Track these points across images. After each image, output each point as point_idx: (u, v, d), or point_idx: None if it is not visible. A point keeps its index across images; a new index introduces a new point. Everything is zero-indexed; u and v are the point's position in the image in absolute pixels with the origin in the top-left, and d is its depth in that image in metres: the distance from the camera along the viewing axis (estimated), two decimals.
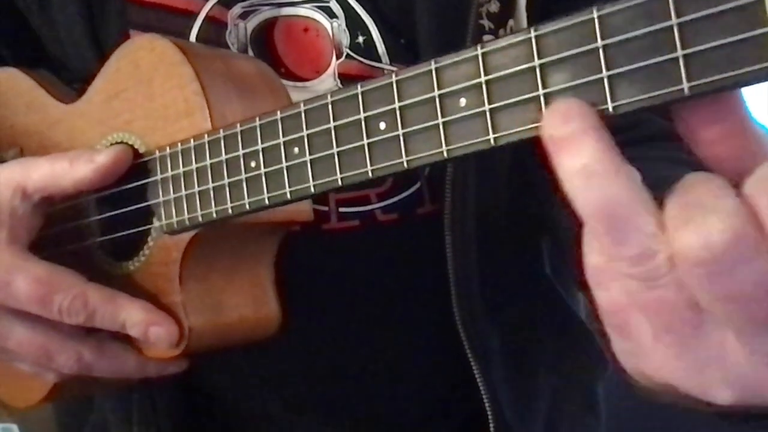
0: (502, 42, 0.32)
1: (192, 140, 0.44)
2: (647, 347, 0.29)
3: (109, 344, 0.50)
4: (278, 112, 0.40)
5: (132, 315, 0.47)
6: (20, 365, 0.52)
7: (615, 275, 0.28)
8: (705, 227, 0.25)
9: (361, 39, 0.55)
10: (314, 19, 0.55)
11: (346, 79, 0.55)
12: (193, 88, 0.45)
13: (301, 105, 0.39)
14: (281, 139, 0.40)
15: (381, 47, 0.55)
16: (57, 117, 0.55)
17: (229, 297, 0.48)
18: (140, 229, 0.48)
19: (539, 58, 0.30)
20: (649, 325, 0.28)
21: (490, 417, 0.56)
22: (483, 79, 0.32)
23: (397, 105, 0.35)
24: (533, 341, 0.63)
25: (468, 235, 0.55)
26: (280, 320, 0.51)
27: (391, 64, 0.55)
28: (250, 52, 0.55)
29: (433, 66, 0.34)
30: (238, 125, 0.42)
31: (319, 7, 0.55)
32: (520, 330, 0.61)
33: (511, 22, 0.57)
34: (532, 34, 0.31)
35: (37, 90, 0.57)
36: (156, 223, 0.47)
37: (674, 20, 0.27)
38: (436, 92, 0.34)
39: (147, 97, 0.48)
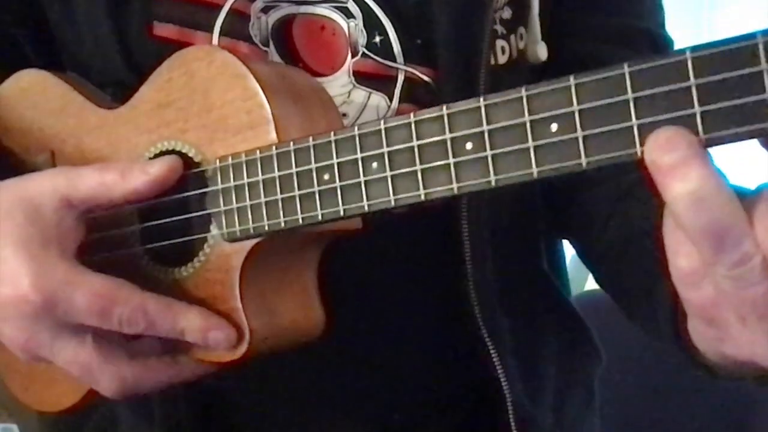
0: (596, 75, 0.35)
1: (258, 152, 0.46)
2: (735, 333, 0.33)
3: (156, 361, 0.50)
4: (356, 128, 0.42)
5: (191, 321, 0.48)
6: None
7: (709, 276, 0.32)
8: None
9: (378, 39, 0.57)
10: (331, 19, 0.57)
11: (361, 76, 0.58)
12: (258, 101, 0.47)
13: (382, 123, 0.41)
14: (359, 155, 0.42)
15: (397, 47, 0.58)
16: (96, 122, 0.55)
17: (282, 302, 0.50)
18: (198, 236, 0.50)
19: (633, 91, 0.34)
20: (738, 316, 0.33)
21: (507, 395, 0.59)
22: (576, 108, 0.35)
23: (485, 128, 0.38)
24: (538, 334, 0.67)
25: (482, 226, 0.59)
26: (324, 324, 0.53)
27: (405, 64, 0.58)
28: (272, 46, 0.57)
29: (524, 93, 0.37)
30: (311, 139, 0.44)
31: (336, 8, 0.57)
32: (526, 322, 0.65)
33: (521, 30, 0.61)
34: (626, 69, 0.34)
35: (71, 94, 0.56)
36: (214, 231, 0.48)
37: (764, 65, 0.31)
38: (527, 117, 0.37)
39: (203, 107, 0.49)
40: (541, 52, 0.60)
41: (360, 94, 0.58)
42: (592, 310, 0.73)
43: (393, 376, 0.62)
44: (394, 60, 0.58)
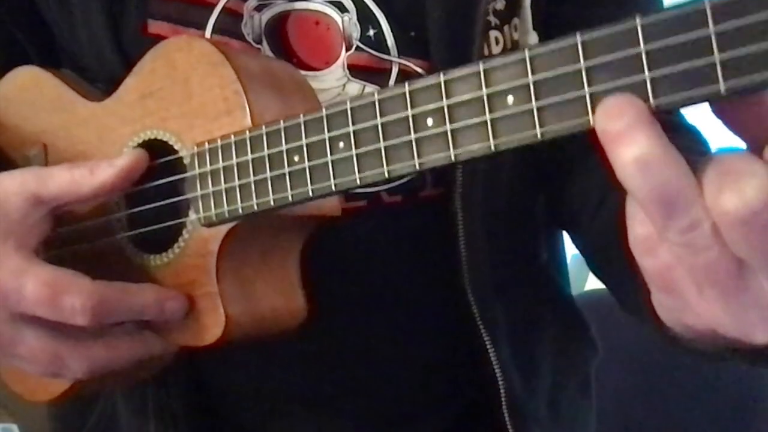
0: (550, 46, 0.35)
1: (232, 136, 0.46)
2: (692, 301, 0.33)
3: (121, 337, 0.51)
4: (323, 110, 0.42)
5: (145, 298, 0.49)
6: (33, 371, 0.52)
7: (662, 244, 0.32)
8: (742, 189, 0.29)
9: (371, 32, 0.58)
10: (325, 13, 0.58)
11: (355, 69, 0.58)
12: (234, 87, 0.47)
13: (347, 103, 0.41)
14: (326, 135, 0.42)
15: (390, 40, 0.58)
16: (85, 115, 0.56)
17: (262, 288, 0.50)
18: (176, 221, 0.50)
19: (585, 60, 0.34)
20: (694, 283, 0.32)
21: (501, 386, 0.59)
22: (531, 79, 0.35)
23: (445, 103, 0.38)
24: (534, 324, 0.66)
25: (476, 215, 0.59)
26: (306, 312, 0.53)
27: (399, 57, 0.58)
28: (265, 43, 0.58)
29: (481, 67, 0.37)
30: (281, 122, 0.44)
31: (330, 2, 0.58)
32: (523, 312, 0.64)
33: (515, 21, 0.61)
34: (578, 39, 0.34)
35: (62, 88, 0.58)
36: (192, 216, 0.49)
37: (712, 28, 0.31)
38: (484, 91, 0.37)
39: (184, 95, 0.50)
40: (532, 42, 0.60)
41: (355, 87, 0.58)
42: (591, 310, 0.73)
43: (387, 367, 0.62)
44: (388, 53, 0.58)
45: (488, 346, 0.58)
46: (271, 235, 0.51)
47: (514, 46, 0.61)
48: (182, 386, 0.62)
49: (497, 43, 0.60)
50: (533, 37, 0.61)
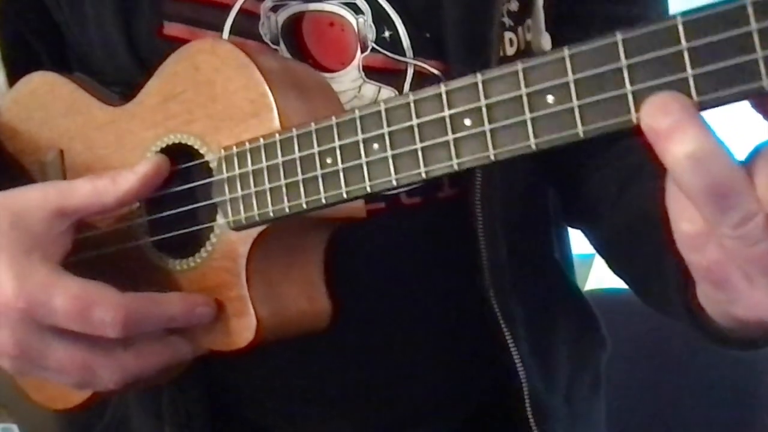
0: (589, 44, 0.35)
1: (261, 139, 0.46)
2: (744, 293, 0.34)
3: (150, 345, 0.51)
4: (356, 111, 0.43)
5: (174, 307, 0.49)
6: (63, 382, 0.51)
7: (711, 239, 0.33)
8: None
9: (387, 34, 0.58)
10: (339, 15, 0.58)
11: (370, 71, 0.58)
12: (261, 89, 0.47)
13: (382, 104, 0.42)
14: (360, 136, 0.43)
15: (406, 41, 0.58)
16: (104, 119, 0.56)
17: (288, 290, 0.51)
18: (205, 225, 0.50)
19: (626, 58, 0.34)
20: (745, 275, 0.33)
21: (524, 385, 0.59)
22: (571, 78, 0.36)
23: (483, 103, 0.38)
24: (550, 322, 0.67)
25: (496, 214, 0.59)
26: (331, 314, 0.53)
27: (414, 58, 0.58)
28: (281, 44, 0.58)
29: (520, 66, 0.37)
30: (313, 124, 0.44)
31: (345, 4, 0.58)
32: (539, 310, 0.65)
33: (528, 21, 0.61)
34: (619, 37, 0.35)
35: (78, 92, 0.58)
36: (220, 220, 0.49)
37: (754, 25, 0.32)
38: (524, 90, 0.37)
39: (209, 98, 0.50)
40: (545, 43, 0.61)
41: (370, 88, 0.58)
42: None
43: (406, 366, 0.62)
44: (404, 54, 0.58)
45: (510, 345, 0.59)
46: (296, 237, 0.51)
47: (527, 48, 0.62)
48: (198, 388, 0.61)
49: (511, 44, 0.60)
50: (546, 38, 0.62)
